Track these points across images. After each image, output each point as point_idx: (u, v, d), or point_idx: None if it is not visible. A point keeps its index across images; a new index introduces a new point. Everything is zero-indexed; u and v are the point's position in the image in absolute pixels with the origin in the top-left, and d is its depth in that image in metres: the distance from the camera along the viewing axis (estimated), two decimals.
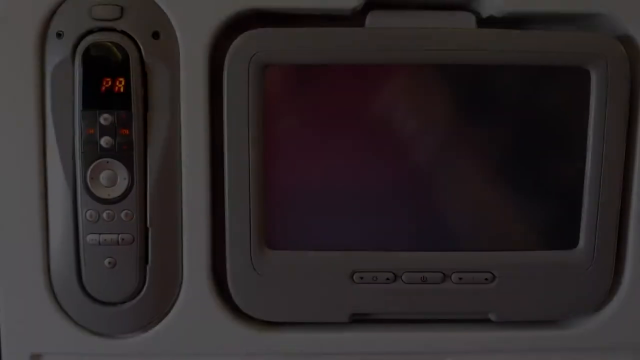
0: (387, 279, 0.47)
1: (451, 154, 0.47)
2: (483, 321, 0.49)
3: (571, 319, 0.50)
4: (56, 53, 0.44)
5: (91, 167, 0.45)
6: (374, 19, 0.47)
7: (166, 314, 0.48)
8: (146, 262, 0.47)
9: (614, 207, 0.47)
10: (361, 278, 0.47)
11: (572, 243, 0.47)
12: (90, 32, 0.44)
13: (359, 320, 0.49)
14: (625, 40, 0.46)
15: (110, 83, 0.44)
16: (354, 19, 0.47)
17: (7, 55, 0.44)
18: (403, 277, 0.47)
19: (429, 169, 0.47)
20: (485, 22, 0.48)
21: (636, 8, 0.45)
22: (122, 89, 0.44)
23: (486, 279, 0.47)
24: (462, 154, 0.47)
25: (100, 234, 0.46)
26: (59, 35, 0.44)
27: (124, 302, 0.47)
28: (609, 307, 0.49)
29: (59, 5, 0.44)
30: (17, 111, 0.45)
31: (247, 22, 0.46)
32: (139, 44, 0.44)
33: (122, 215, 0.45)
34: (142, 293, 0.47)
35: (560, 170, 0.47)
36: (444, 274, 0.47)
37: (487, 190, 0.48)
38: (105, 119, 0.44)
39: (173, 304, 0.48)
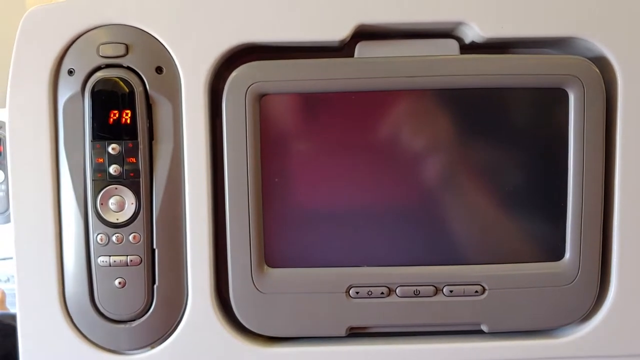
0: (382, 293, 0.50)
1: (440, 173, 0.50)
2: (476, 332, 0.51)
3: (560, 329, 0.52)
4: (68, 88, 0.48)
5: (101, 193, 0.48)
6: (362, 49, 0.50)
7: (173, 331, 0.50)
8: (154, 282, 0.49)
9: (597, 220, 0.49)
10: (357, 293, 0.50)
11: (558, 255, 0.50)
12: (98, 68, 0.48)
13: (356, 334, 0.51)
14: (600, 61, 0.48)
15: (117, 115, 0.47)
16: (344, 49, 0.51)
17: (24, 91, 0.48)
18: (397, 291, 0.50)
19: (419, 188, 0.50)
20: (469, 48, 0.51)
21: (608, 31, 0.48)
22: (128, 121, 0.47)
23: (476, 292, 0.49)
24: (450, 173, 0.50)
25: (110, 255, 0.49)
26: (70, 72, 0.48)
27: (133, 320, 0.50)
28: (596, 317, 0.50)
29: (70, 45, 0.48)
30: (33, 143, 0.48)
31: (246, 54, 0.50)
32: (144, 78, 0.48)
33: (130, 238, 0.48)
34: (150, 311, 0.50)
35: (545, 185, 0.49)
36: (435, 287, 0.50)
37: (476, 206, 0.50)
38: (113, 148, 0.48)
39: (179, 322, 0.50)
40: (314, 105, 0.49)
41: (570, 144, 0.48)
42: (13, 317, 0.51)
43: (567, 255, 0.49)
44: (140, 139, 0.48)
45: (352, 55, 0.50)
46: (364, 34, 0.49)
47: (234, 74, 0.48)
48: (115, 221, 0.48)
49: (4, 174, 1.05)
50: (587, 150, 0.48)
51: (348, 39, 0.49)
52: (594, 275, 0.49)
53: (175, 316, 0.50)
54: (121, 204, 0.48)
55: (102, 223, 0.48)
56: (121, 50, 0.47)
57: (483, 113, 0.49)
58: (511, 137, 0.49)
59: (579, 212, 0.49)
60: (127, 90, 0.47)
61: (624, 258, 0.49)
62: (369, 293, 0.50)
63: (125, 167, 0.48)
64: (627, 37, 0.48)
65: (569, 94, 0.48)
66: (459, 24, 0.49)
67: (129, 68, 0.48)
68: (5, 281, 1.08)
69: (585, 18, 0.48)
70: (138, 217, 0.48)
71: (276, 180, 0.49)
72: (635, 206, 0.49)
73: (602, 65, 0.48)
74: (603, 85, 0.48)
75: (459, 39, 0.51)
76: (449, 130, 0.49)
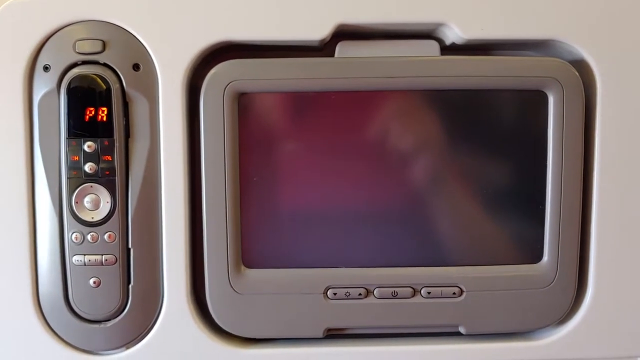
0: (360, 294, 0.49)
1: (419, 174, 0.49)
2: (453, 334, 0.51)
3: (537, 331, 0.52)
4: (43, 85, 0.47)
5: (76, 191, 0.48)
6: (343, 49, 0.50)
7: (148, 331, 0.50)
8: (129, 281, 0.49)
9: (575, 223, 0.49)
10: (334, 294, 0.49)
11: (536, 258, 0.50)
12: (74, 65, 0.47)
13: (334, 335, 0.51)
14: (579, 63, 0.48)
15: (93, 112, 0.47)
16: (325, 49, 0.50)
17: None
18: (375, 293, 0.49)
19: (398, 189, 0.49)
20: (449, 49, 0.51)
21: (587, 34, 0.48)
22: (104, 118, 0.47)
23: (454, 293, 0.49)
24: (429, 174, 0.50)
25: (85, 255, 0.48)
26: (46, 68, 0.47)
27: (108, 320, 0.49)
28: (574, 319, 0.50)
29: (46, 41, 0.47)
30: (7, 139, 0.48)
31: (225, 52, 0.49)
32: (120, 75, 0.47)
33: (105, 237, 0.48)
34: (125, 311, 0.49)
35: (524, 187, 0.49)
36: (413, 288, 0.49)
37: (454, 208, 0.50)
38: (89, 146, 0.47)
39: (155, 322, 0.50)
40: (293, 104, 0.49)
41: (549, 146, 0.48)
42: None
43: (545, 257, 0.49)
44: (116, 136, 0.47)
45: (332, 55, 0.50)
46: (345, 33, 0.49)
47: (212, 71, 0.47)
48: (91, 220, 0.48)
49: None
50: (565, 152, 0.48)
51: (328, 38, 0.48)
52: (572, 277, 0.49)
53: (150, 316, 0.50)
54: (96, 202, 0.48)
55: (77, 222, 0.48)
56: (98, 46, 0.47)
57: (462, 114, 0.49)
58: (490, 139, 0.49)
59: (557, 215, 0.49)
60: (104, 87, 0.47)
61: (602, 261, 0.50)
62: (347, 294, 0.49)
63: (101, 165, 0.47)
64: (606, 40, 0.48)
65: (548, 96, 0.48)
66: (439, 25, 0.48)
67: (105, 65, 0.47)
68: None
69: (565, 21, 0.48)
70: (113, 216, 0.48)
71: (254, 179, 0.49)
72: (613, 209, 0.49)
73: (582, 67, 0.48)
74: (582, 87, 0.48)
75: (439, 40, 0.51)
76: (428, 132, 0.49)
